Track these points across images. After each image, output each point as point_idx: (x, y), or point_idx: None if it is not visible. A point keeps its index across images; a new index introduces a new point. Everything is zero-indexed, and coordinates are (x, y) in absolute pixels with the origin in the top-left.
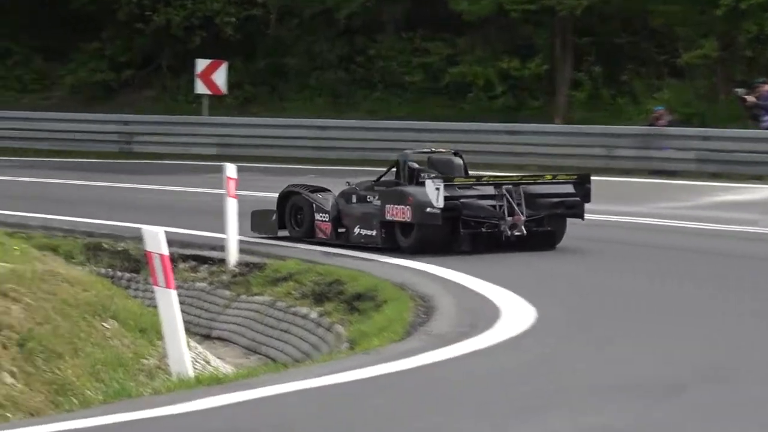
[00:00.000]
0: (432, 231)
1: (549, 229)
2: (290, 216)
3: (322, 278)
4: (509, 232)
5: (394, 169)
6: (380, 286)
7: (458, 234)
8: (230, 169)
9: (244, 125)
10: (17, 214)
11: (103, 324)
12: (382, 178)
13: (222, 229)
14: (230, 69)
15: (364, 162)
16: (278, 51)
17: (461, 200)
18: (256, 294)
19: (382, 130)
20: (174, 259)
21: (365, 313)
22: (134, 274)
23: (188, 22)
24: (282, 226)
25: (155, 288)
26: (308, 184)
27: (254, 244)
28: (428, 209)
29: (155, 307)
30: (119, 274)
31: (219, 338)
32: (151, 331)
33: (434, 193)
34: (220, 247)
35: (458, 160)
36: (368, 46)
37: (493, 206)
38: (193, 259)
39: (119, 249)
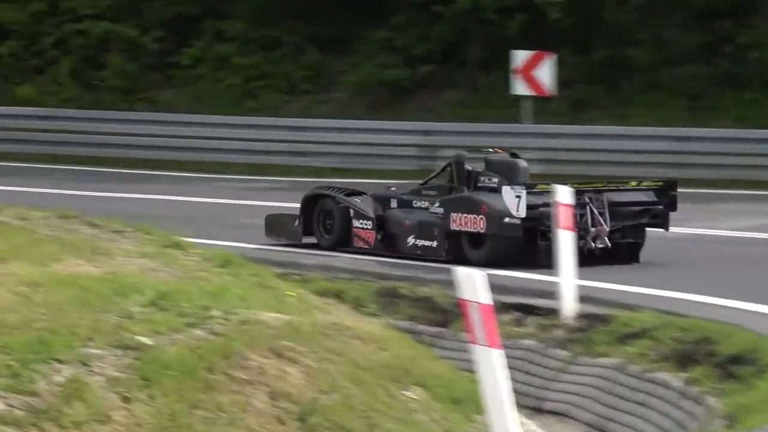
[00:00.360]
0: (508, 243)
1: (633, 240)
2: (318, 221)
3: (685, 335)
4: (593, 244)
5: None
6: (763, 345)
7: (536, 246)
8: (562, 193)
9: (576, 135)
10: (290, 251)
11: (406, 393)
12: (429, 182)
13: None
14: (558, 63)
15: (737, 183)
16: (618, 40)
17: (539, 209)
18: (600, 355)
19: (758, 142)
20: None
21: (745, 381)
22: (442, 329)
23: (502, 2)
24: (307, 233)
25: (473, 347)
26: (339, 186)
27: (593, 290)
28: (507, 219)
29: (472, 371)
30: (422, 327)
31: (553, 412)
32: (467, 402)
33: (514, 201)
34: (551, 293)
35: (523, 163)
36: (737, 32)
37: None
38: (517, 309)
39: (421, 295)
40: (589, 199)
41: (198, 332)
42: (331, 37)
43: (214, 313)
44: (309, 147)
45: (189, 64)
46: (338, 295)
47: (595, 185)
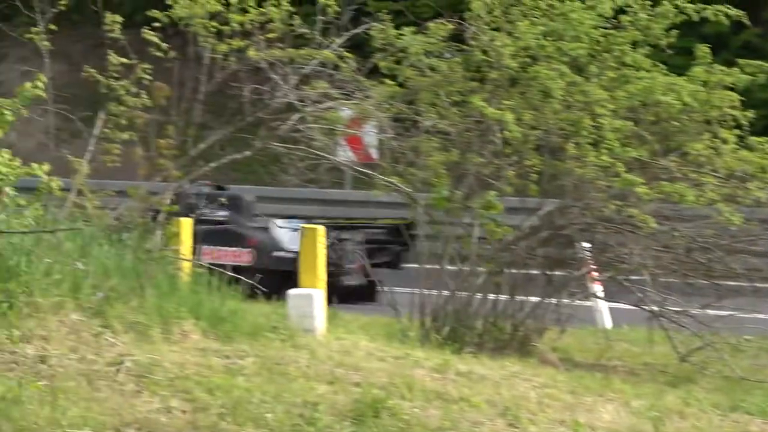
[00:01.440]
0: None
1: (373, 279)
2: None
3: None
4: (349, 282)
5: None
6: None
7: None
8: None
9: None
10: None
11: None
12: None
13: None
14: None
15: None
16: None
17: None
18: None
19: None
20: None
21: None
22: None
23: None
24: None
25: None
26: None
27: None
28: (275, 253)
29: None
30: None
31: None
32: None
33: (288, 235)
34: None
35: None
36: None
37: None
38: None
39: None
40: (347, 235)
41: None
42: None
43: None
44: None
45: None
46: None
47: (351, 221)
